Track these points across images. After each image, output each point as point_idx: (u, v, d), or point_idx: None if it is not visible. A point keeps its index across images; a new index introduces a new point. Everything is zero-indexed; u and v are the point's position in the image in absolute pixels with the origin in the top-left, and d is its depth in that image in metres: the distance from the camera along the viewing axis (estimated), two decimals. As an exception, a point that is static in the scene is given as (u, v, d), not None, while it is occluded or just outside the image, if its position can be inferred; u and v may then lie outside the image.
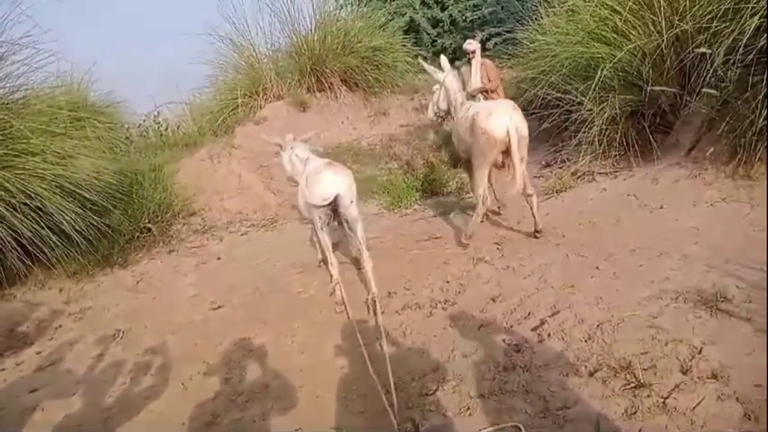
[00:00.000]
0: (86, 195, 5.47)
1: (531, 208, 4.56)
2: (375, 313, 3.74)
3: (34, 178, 5.14)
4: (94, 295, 5.11)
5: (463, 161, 5.17)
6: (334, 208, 3.84)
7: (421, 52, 10.37)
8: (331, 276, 4.11)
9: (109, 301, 4.91)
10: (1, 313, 4.77)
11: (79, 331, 4.42)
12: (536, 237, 4.58)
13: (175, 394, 3.30)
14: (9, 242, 4.85)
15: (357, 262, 4.52)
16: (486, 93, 5.72)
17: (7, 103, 5.68)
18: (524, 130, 4.33)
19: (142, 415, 3.12)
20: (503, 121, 4.24)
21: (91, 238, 5.40)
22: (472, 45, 5.54)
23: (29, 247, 5.02)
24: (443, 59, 5.40)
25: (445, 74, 5.20)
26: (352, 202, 3.95)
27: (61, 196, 5.25)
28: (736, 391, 2.31)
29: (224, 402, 3.12)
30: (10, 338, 4.39)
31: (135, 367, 3.71)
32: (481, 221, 4.80)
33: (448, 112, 5.37)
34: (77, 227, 5.23)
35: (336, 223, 4.10)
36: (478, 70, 5.44)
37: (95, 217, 5.44)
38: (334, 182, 3.88)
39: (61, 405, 3.33)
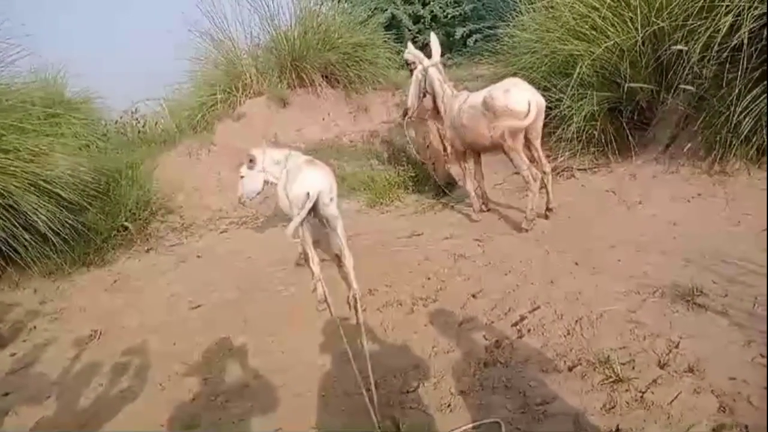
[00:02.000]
0: (61, 193, 5.37)
1: (546, 186, 4.62)
2: (356, 311, 3.72)
3: (7, 176, 5.02)
4: (70, 295, 5.01)
5: (458, 153, 5.16)
6: (313, 205, 3.79)
7: (402, 48, 10.34)
8: (313, 273, 4.08)
9: (85, 301, 4.82)
10: (-26, 315, 4.65)
11: (54, 332, 4.32)
12: (547, 217, 4.68)
13: (153, 395, 3.24)
14: (-19, 242, 4.75)
15: (338, 260, 4.49)
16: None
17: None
18: (542, 102, 4.36)
19: (119, 417, 3.05)
20: (524, 95, 4.25)
21: (66, 237, 5.30)
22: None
23: (2, 247, 4.92)
24: (433, 39, 5.23)
25: (431, 62, 5.13)
26: (332, 199, 3.92)
27: (36, 195, 5.15)
28: (712, 384, 2.35)
29: (203, 402, 3.08)
30: (-18, 341, 4.28)
31: (112, 368, 3.63)
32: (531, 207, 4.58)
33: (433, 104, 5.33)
34: (52, 226, 5.13)
35: (317, 221, 4.08)
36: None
37: (71, 216, 5.34)
38: (314, 179, 3.85)
39: (36, 408, 3.25)
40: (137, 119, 9.20)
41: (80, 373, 3.65)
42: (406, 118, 5.83)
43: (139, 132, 8.95)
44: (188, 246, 5.96)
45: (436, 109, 5.59)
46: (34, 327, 4.47)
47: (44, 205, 5.13)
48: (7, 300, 4.94)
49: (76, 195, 5.54)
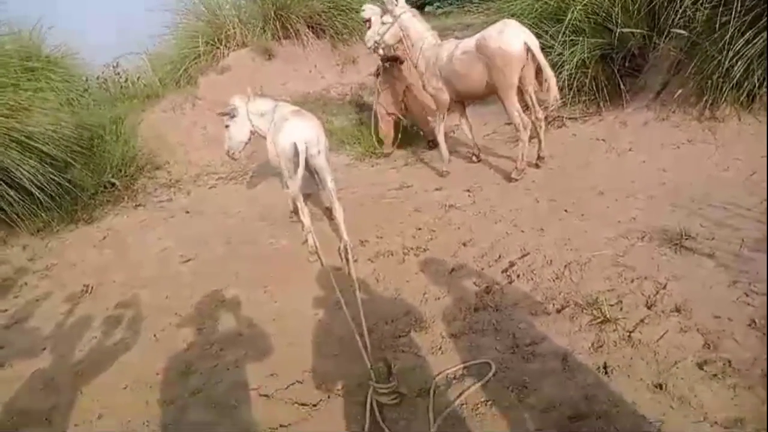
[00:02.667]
0: (43, 148, 5.26)
1: (539, 134, 4.60)
2: (347, 261, 3.73)
3: (-16, 132, 4.91)
4: (59, 251, 4.98)
5: (442, 104, 5.03)
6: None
7: None
8: (303, 224, 4.07)
9: (75, 257, 4.80)
10: (-37, 272, 4.62)
11: (45, 288, 4.31)
12: (538, 166, 4.67)
13: (147, 346, 3.27)
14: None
15: (329, 213, 4.48)
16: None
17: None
18: (537, 44, 4.23)
19: (114, 367, 3.08)
20: (518, 36, 4.14)
21: (53, 193, 5.23)
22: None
23: (-13, 205, 4.84)
24: None
25: (402, 10, 4.88)
26: (320, 151, 3.85)
27: (17, 151, 5.04)
28: (697, 323, 2.40)
29: (198, 351, 3.11)
30: (-27, 297, 4.27)
31: (105, 321, 3.65)
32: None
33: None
34: (37, 182, 5.05)
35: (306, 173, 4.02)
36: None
37: (55, 172, 5.26)
38: (301, 130, 3.79)
39: (31, 360, 3.28)
40: (119, 74, 8.93)
41: (73, 326, 3.67)
42: (378, 78, 5.81)
43: (121, 87, 8.72)
44: (177, 202, 5.90)
45: (390, 60, 5.47)
46: (25, 283, 4.46)
47: (26, 161, 5.04)
48: (-4, 257, 4.91)
49: (59, 151, 5.44)
